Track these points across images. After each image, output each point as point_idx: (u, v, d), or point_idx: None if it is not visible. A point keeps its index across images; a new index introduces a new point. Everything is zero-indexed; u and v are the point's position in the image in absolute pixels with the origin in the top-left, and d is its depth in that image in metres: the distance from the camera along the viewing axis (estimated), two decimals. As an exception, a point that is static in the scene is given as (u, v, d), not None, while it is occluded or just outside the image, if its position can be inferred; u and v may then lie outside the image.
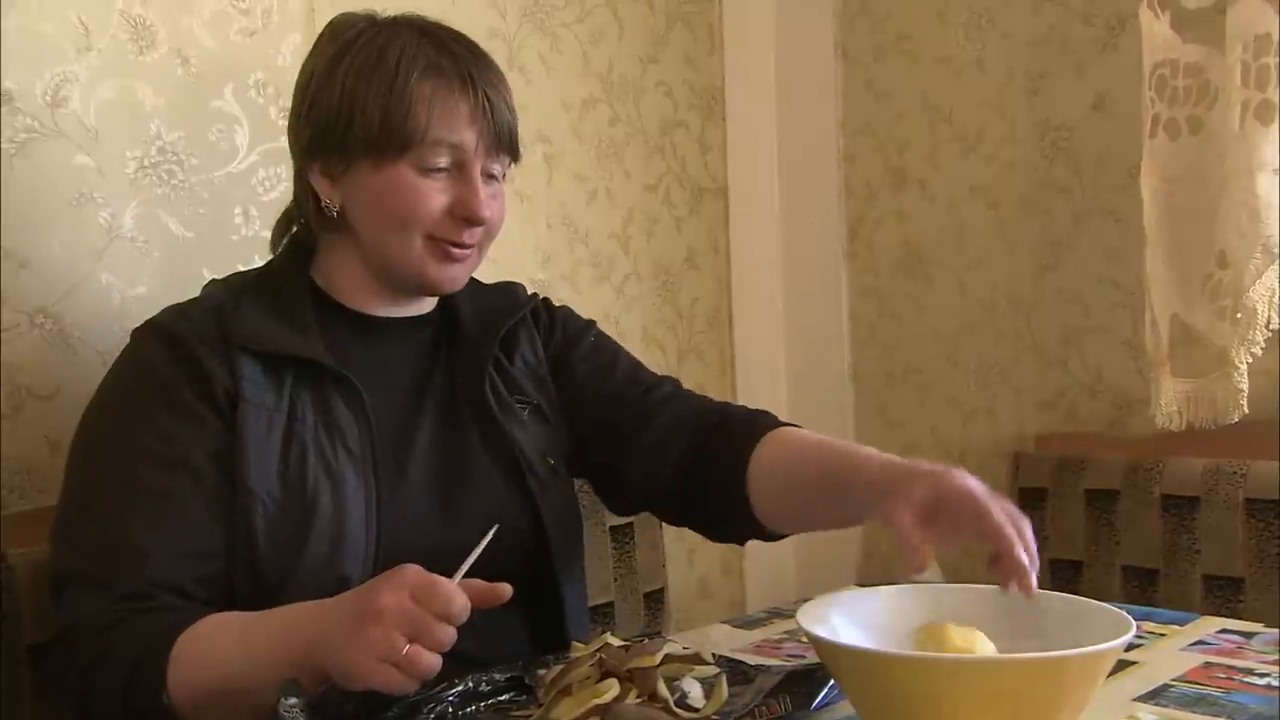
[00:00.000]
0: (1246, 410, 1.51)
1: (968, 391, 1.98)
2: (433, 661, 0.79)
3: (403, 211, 1.02)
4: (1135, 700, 0.88)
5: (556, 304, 1.25)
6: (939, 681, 0.72)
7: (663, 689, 0.84)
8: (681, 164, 2.06)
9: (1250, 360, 1.49)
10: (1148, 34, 1.55)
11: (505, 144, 1.05)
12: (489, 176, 1.06)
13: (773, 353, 2.15)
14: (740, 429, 1.09)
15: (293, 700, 0.78)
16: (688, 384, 2.04)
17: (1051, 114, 1.85)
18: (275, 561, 0.95)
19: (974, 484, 0.86)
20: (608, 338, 1.24)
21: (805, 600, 0.89)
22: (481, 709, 0.90)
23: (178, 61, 1.37)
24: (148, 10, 1.35)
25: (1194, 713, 0.85)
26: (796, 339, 2.15)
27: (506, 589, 0.85)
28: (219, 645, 0.87)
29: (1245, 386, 1.50)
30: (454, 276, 1.07)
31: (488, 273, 1.73)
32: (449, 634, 0.79)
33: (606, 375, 1.18)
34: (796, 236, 2.14)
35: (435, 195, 1.02)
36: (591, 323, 1.24)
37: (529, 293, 1.22)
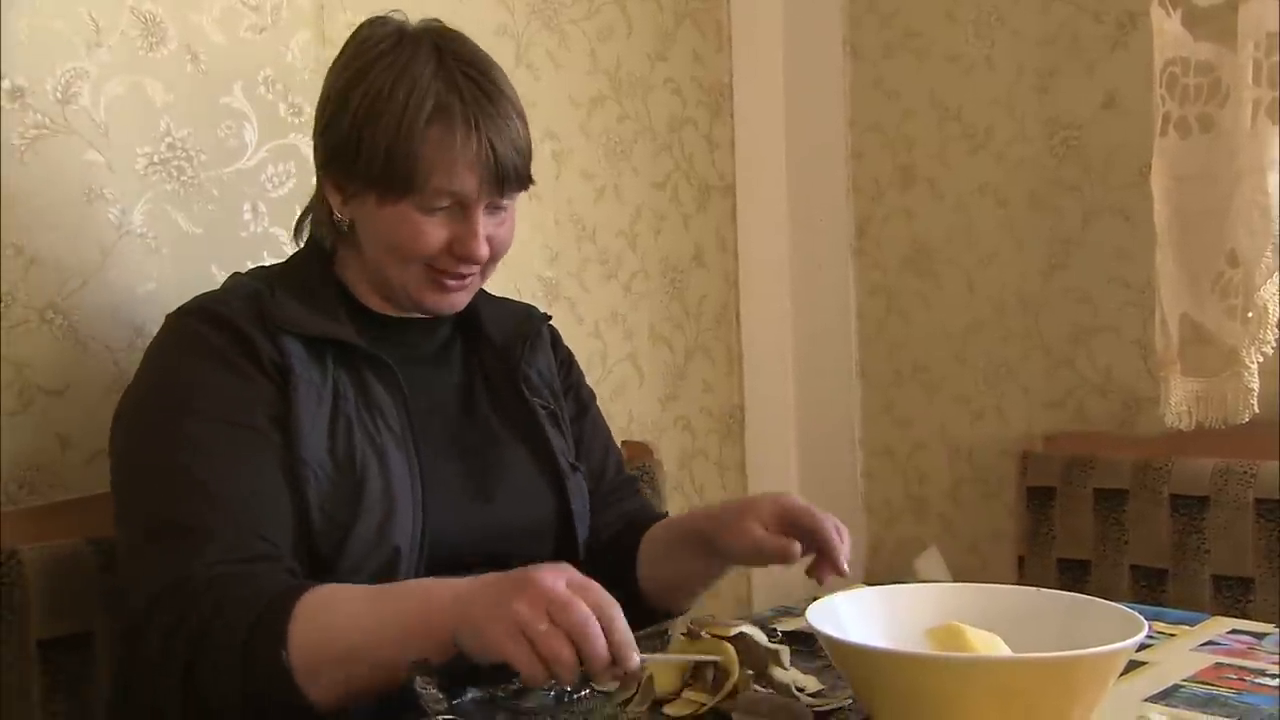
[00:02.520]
0: (1257, 410, 1.51)
1: (976, 390, 1.98)
2: (562, 651, 0.75)
3: (402, 245, 1.05)
4: (1146, 700, 0.88)
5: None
6: (950, 681, 0.72)
7: (781, 675, 0.86)
8: (689, 161, 2.06)
9: (1261, 360, 1.49)
10: (1158, 31, 1.55)
11: (511, 182, 1.06)
12: (495, 208, 1.07)
13: (780, 351, 2.15)
14: (638, 527, 1.20)
15: (428, 679, 0.77)
16: (696, 382, 2.08)
17: (1061, 112, 1.85)
18: (327, 534, 0.97)
19: (805, 503, 1.04)
20: (601, 413, 1.31)
21: (813, 599, 0.89)
22: (596, 690, 0.92)
23: (187, 58, 1.38)
24: (158, 7, 1.35)
25: (1205, 713, 0.84)
26: (804, 337, 2.15)
27: (637, 660, 0.78)
28: (346, 609, 0.85)
29: (1256, 386, 1.49)
30: (453, 303, 1.10)
31: (495, 272, 1.73)
32: (592, 624, 0.75)
33: (596, 450, 1.26)
34: (804, 234, 2.13)
35: (435, 231, 1.04)
36: (593, 394, 1.31)
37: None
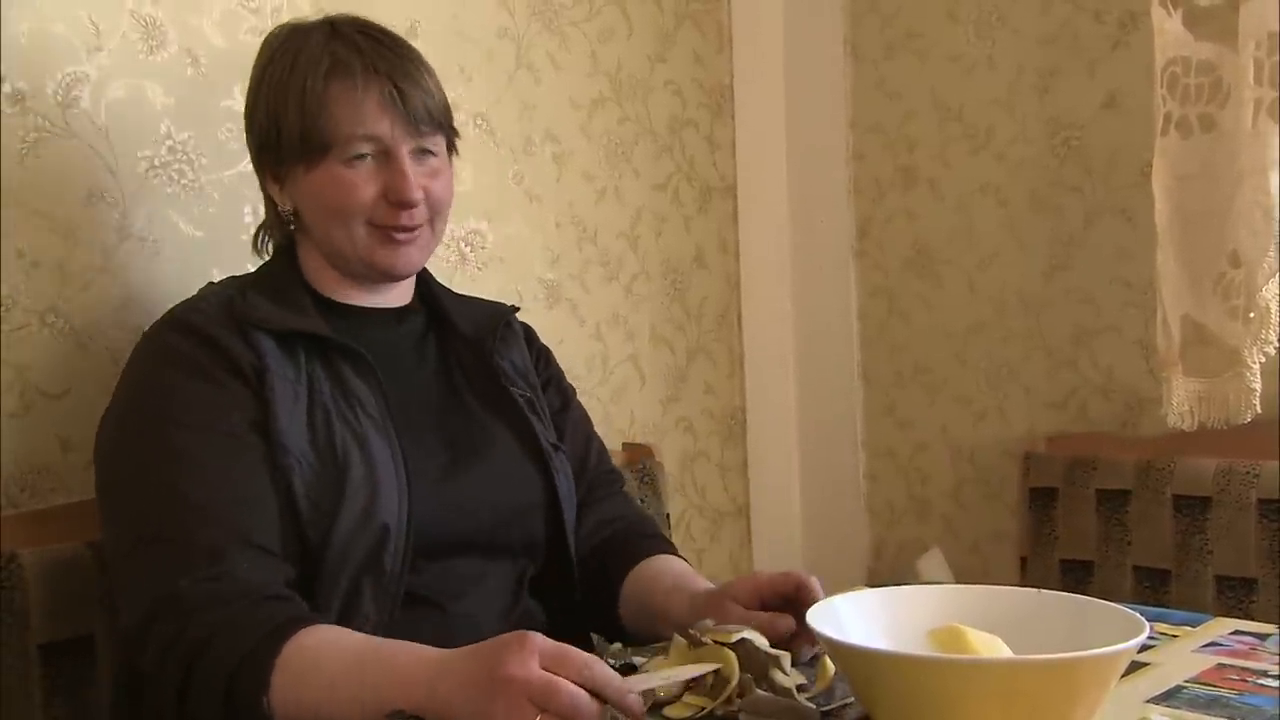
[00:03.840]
0: (1259, 410, 1.51)
1: (978, 391, 1.97)
2: None
3: (338, 204, 1.07)
4: (1148, 702, 0.87)
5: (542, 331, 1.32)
6: (952, 682, 0.72)
7: (782, 679, 0.86)
8: (690, 163, 2.06)
9: (1263, 360, 1.48)
10: (1159, 31, 1.55)
11: (428, 123, 1.08)
12: (424, 154, 1.09)
13: (782, 352, 2.15)
14: (629, 550, 1.18)
15: None
16: (697, 384, 2.08)
17: (1062, 112, 1.85)
18: (315, 523, 0.98)
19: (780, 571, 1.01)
20: (583, 408, 1.31)
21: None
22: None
23: (188, 61, 1.38)
24: (158, 10, 1.35)
25: (1207, 714, 0.84)
26: (805, 338, 2.14)
27: (638, 702, 0.78)
28: (328, 667, 0.85)
29: (1258, 386, 1.49)
30: (408, 259, 1.10)
31: (496, 274, 1.74)
32: (582, 699, 0.75)
33: (579, 441, 1.26)
34: (805, 235, 2.13)
35: (366, 184, 1.06)
36: (573, 387, 1.31)
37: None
